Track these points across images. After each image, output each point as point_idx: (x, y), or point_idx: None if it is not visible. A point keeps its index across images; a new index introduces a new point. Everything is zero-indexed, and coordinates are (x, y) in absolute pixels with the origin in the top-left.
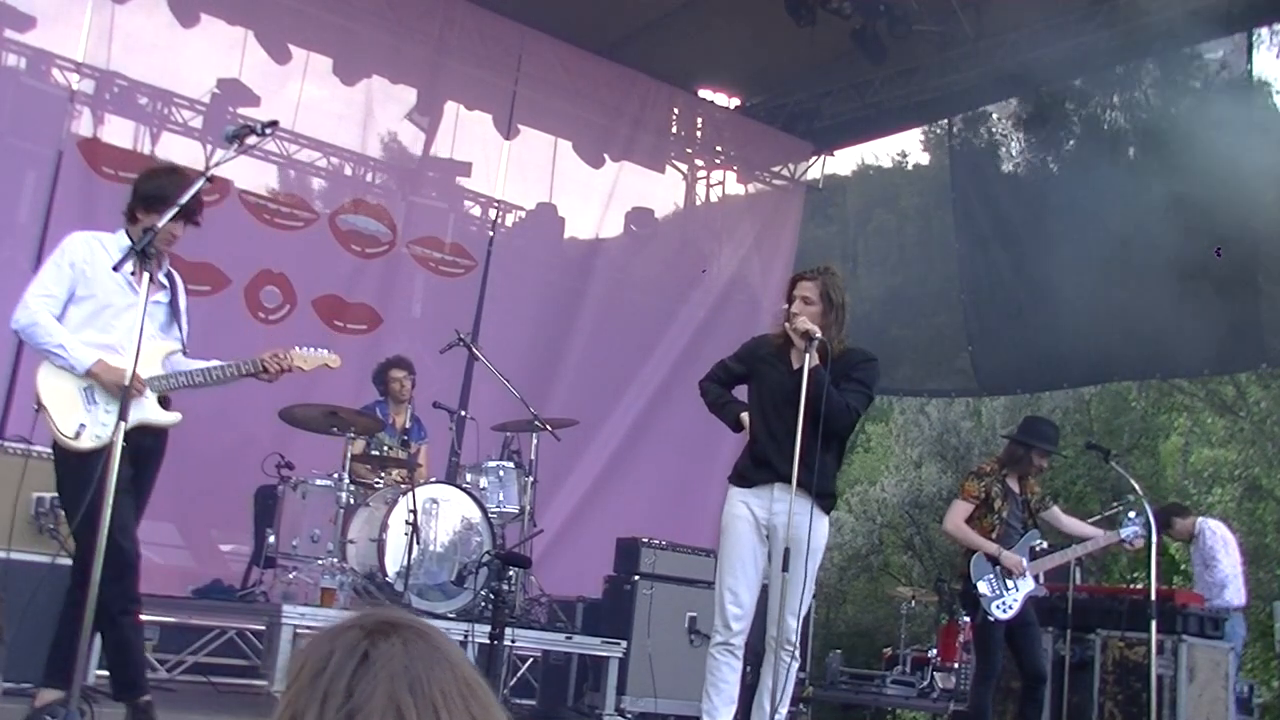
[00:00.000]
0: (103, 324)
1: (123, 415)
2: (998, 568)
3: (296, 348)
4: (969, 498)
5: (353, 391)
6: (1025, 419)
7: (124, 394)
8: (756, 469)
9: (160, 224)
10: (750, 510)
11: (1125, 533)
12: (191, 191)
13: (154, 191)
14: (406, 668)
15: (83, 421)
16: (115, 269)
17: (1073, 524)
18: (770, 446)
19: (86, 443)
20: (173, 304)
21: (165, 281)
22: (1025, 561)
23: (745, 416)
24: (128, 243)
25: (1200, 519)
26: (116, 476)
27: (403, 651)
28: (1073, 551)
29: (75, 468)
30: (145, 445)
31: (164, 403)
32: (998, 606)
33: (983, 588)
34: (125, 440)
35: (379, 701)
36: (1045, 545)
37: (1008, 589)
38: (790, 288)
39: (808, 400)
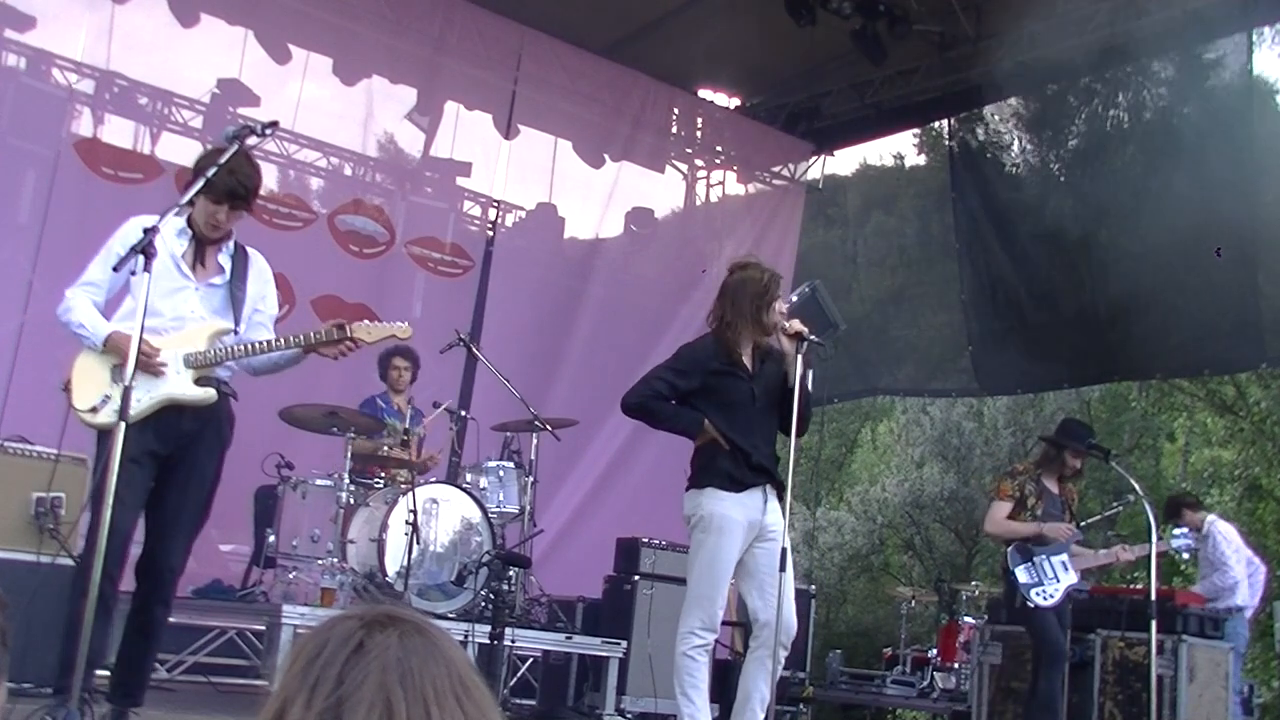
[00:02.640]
0: (166, 299)
1: (122, 415)
2: (1034, 559)
3: (363, 320)
4: (1005, 496)
5: (353, 390)
6: (1062, 420)
7: (124, 394)
8: (753, 473)
9: (159, 222)
10: (743, 514)
11: (1176, 544)
12: (192, 193)
13: (194, 170)
14: (400, 660)
15: (106, 394)
16: (115, 269)
17: (1081, 552)
18: (757, 452)
19: (104, 417)
20: (232, 285)
21: (223, 264)
22: (1072, 530)
23: (708, 422)
24: (182, 224)
25: (1210, 518)
26: (119, 474)
27: (398, 644)
28: (1114, 553)
29: (101, 443)
30: (183, 429)
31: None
32: (1037, 593)
33: (1020, 575)
34: (155, 422)
35: (368, 691)
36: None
37: (1048, 578)
38: (774, 289)
39: (800, 403)
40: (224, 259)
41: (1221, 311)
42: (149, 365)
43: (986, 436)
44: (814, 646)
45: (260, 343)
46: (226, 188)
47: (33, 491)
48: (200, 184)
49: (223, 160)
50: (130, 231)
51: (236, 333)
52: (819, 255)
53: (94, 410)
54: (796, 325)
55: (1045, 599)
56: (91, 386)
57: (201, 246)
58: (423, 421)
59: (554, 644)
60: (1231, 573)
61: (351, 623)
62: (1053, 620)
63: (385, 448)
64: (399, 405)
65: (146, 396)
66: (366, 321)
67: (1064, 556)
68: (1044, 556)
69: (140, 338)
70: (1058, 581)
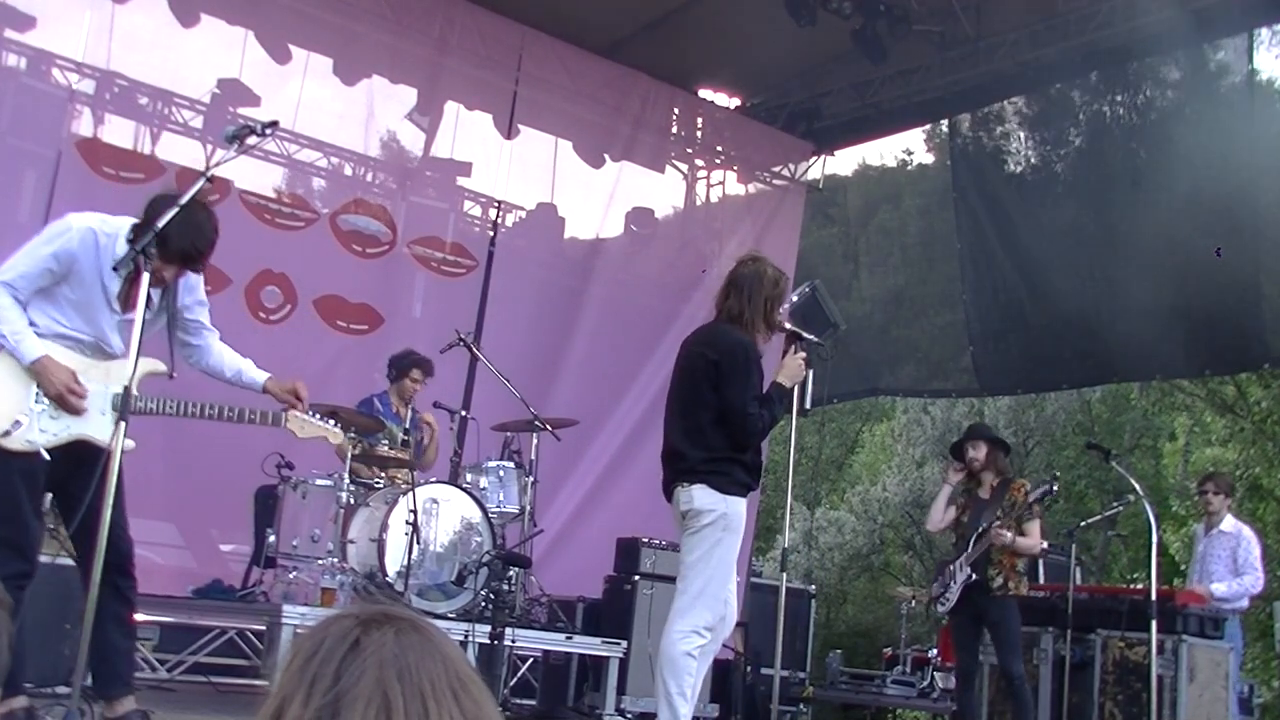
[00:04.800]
0: (89, 318)
1: (122, 416)
2: (948, 568)
3: (298, 413)
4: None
5: (357, 391)
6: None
7: (124, 399)
8: (759, 476)
9: (122, 258)
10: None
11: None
12: (190, 194)
13: (144, 218)
14: (397, 656)
15: (19, 419)
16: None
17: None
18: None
19: (15, 444)
20: (168, 318)
21: (151, 297)
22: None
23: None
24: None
25: (1238, 522)
26: (35, 484)
27: (394, 641)
28: (986, 541)
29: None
30: (83, 456)
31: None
32: (940, 603)
33: (933, 588)
34: (62, 448)
35: (366, 687)
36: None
37: (949, 586)
38: (785, 288)
39: (799, 401)
40: (153, 293)
41: (1222, 311)
42: (68, 403)
43: None
44: (814, 646)
45: (196, 407)
46: (180, 250)
47: None
48: (150, 237)
49: (174, 215)
50: (67, 235)
51: (172, 375)
52: (819, 255)
53: (5, 434)
54: (790, 324)
55: (943, 605)
56: (7, 404)
57: (132, 284)
58: (421, 424)
59: (554, 644)
60: (1262, 578)
61: (348, 621)
62: (960, 638)
63: (384, 446)
64: (398, 408)
65: (64, 431)
66: (298, 414)
67: (961, 558)
68: (954, 564)
69: (137, 357)
70: (955, 584)
